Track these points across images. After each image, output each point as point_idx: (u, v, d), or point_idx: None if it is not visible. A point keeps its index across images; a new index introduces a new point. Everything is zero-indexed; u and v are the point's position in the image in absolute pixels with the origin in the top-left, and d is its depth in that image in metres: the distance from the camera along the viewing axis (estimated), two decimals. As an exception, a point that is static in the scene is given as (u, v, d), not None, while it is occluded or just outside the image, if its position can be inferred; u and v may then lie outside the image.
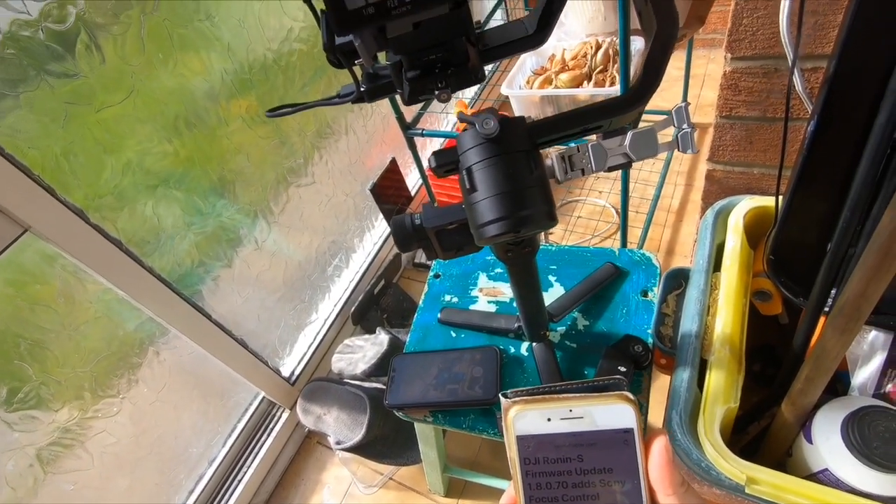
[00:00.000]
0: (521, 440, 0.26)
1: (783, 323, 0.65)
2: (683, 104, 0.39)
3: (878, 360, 0.53)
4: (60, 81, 0.70)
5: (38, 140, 0.69)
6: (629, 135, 0.38)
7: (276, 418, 1.20)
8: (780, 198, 0.54)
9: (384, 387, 1.09)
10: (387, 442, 1.05)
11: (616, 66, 1.04)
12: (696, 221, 1.25)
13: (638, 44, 1.01)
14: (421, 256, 1.55)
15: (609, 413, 0.25)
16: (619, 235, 1.29)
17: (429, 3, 0.27)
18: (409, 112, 1.13)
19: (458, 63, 0.32)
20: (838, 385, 0.57)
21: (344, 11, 0.27)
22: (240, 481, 1.11)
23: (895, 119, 0.41)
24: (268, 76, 1.02)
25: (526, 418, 0.26)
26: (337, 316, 1.33)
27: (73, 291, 0.79)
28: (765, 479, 0.44)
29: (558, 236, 1.44)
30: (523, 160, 0.35)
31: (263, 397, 1.19)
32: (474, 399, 0.62)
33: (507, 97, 1.16)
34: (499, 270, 0.78)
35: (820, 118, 0.46)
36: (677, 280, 0.67)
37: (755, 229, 0.64)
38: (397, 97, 0.36)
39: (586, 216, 1.49)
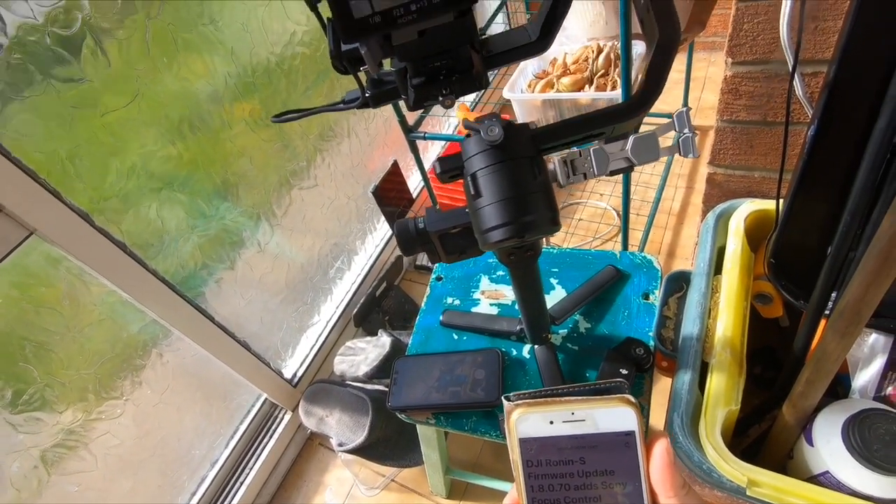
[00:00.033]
0: (524, 443, 0.26)
1: (784, 326, 0.65)
2: (685, 109, 0.39)
3: (878, 363, 0.53)
4: (66, 86, 0.70)
5: (44, 143, 0.70)
6: (631, 139, 0.38)
7: (278, 420, 1.20)
8: (781, 201, 0.54)
9: (386, 389, 1.09)
10: (389, 444, 1.06)
11: (617, 70, 1.05)
12: (696, 224, 1.26)
13: (639, 48, 1.01)
14: (422, 258, 1.55)
15: (611, 416, 0.26)
16: (620, 238, 1.30)
17: (434, 12, 0.27)
18: (412, 115, 1.13)
19: (463, 70, 0.32)
20: (839, 388, 0.57)
21: (351, 20, 0.27)
22: (242, 483, 1.12)
23: (895, 124, 0.41)
24: (271, 80, 1.02)
25: (528, 421, 0.26)
26: (339, 318, 1.34)
27: (78, 294, 0.79)
28: (766, 481, 0.44)
29: (559, 238, 1.44)
30: (527, 166, 0.35)
31: (266, 399, 1.19)
32: (476, 401, 0.63)
33: (508, 100, 1.16)
34: (501, 273, 0.79)
35: (820, 123, 0.46)
36: (678, 283, 0.68)
37: (756, 232, 0.65)
38: (401, 102, 0.37)
39: (587, 218, 1.49)
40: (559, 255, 0.77)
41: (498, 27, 1.49)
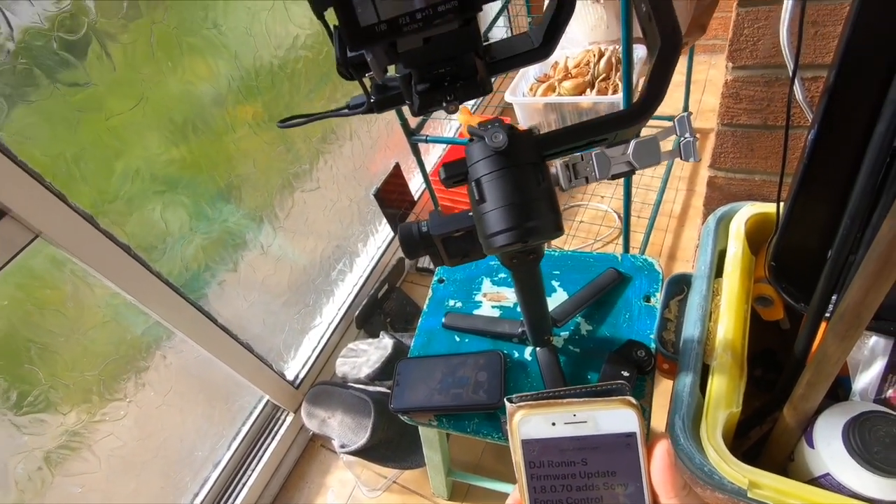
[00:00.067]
0: (527, 444, 0.26)
1: (784, 328, 0.66)
2: (686, 114, 0.39)
3: (878, 366, 0.53)
4: (72, 90, 0.71)
5: (49, 147, 0.70)
6: (632, 144, 0.39)
7: (280, 422, 1.21)
8: (782, 205, 0.55)
9: (388, 390, 1.09)
10: (391, 445, 1.06)
11: (619, 74, 1.05)
12: (697, 226, 1.26)
13: (640, 52, 1.02)
14: (424, 261, 1.56)
15: (612, 417, 0.26)
16: (621, 240, 1.30)
17: (439, 20, 0.28)
18: (414, 118, 1.14)
19: (467, 76, 0.32)
20: (839, 390, 0.57)
21: (357, 27, 0.28)
22: (244, 484, 1.12)
23: (894, 128, 0.41)
24: (274, 83, 1.03)
25: (531, 423, 0.27)
26: (341, 320, 1.34)
27: (82, 296, 0.80)
28: (767, 483, 0.45)
29: (560, 241, 1.45)
30: (531, 172, 0.35)
31: (268, 401, 1.20)
32: (478, 403, 0.63)
33: (509, 103, 1.17)
34: (502, 275, 0.79)
35: (820, 127, 0.46)
36: (679, 285, 0.68)
37: (756, 235, 0.65)
38: (404, 107, 0.37)
39: (588, 221, 1.49)
40: (561, 258, 0.78)
41: (499, 30, 1.50)
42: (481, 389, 0.64)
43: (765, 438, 0.58)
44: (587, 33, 1.10)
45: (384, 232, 1.50)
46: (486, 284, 0.78)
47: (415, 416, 0.67)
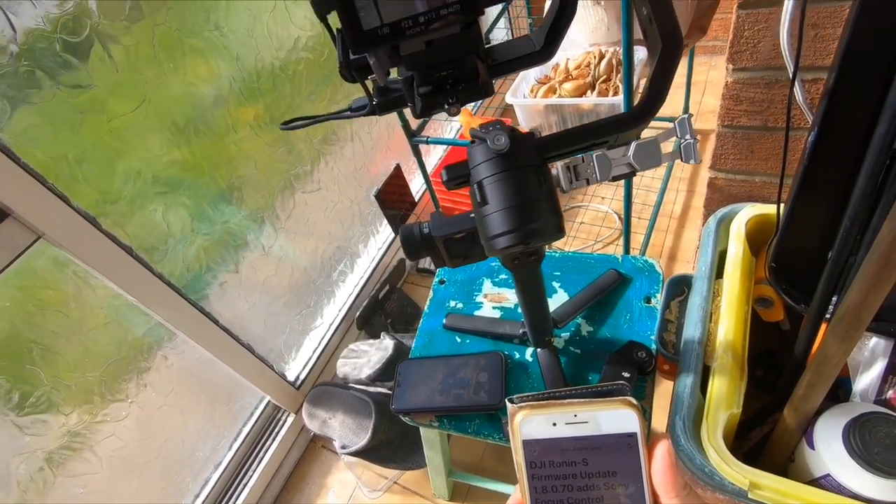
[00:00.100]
0: (528, 444, 0.27)
1: (785, 329, 0.66)
2: (686, 116, 0.40)
3: (879, 367, 0.53)
4: (75, 91, 0.71)
5: (52, 148, 0.71)
6: (633, 145, 0.39)
7: (281, 422, 1.21)
8: (782, 206, 0.55)
9: (389, 391, 1.09)
10: (391, 446, 1.06)
11: (619, 75, 1.06)
12: (698, 227, 1.26)
13: (640, 54, 1.02)
14: (425, 261, 1.56)
15: (613, 418, 0.26)
16: (621, 241, 1.30)
17: (441, 24, 0.28)
18: (414, 119, 1.14)
19: (469, 79, 0.33)
20: (840, 391, 0.57)
21: (360, 31, 0.28)
22: (245, 485, 1.12)
23: (894, 130, 0.42)
24: (275, 84, 1.03)
25: (532, 423, 0.27)
26: (342, 321, 1.34)
27: (84, 297, 0.80)
28: (767, 484, 0.45)
29: (561, 242, 1.45)
30: (533, 174, 0.36)
31: (269, 401, 1.20)
32: (480, 404, 0.63)
33: (510, 104, 1.17)
34: (503, 277, 0.79)
35: (820, 128, 0.46)
36: (680, 287, 0.68)
37: (757, 237, 0.65)
38: (406, 109, 0.38)
39: (589, 222, 1.50)
40: (561, 259, 0.78)
41: (500, 32, 1.50)
42: (482, 390, 0.64)
43: (765, 439, 0.58)
44: (588, 35, 1.10)
45: (385, 233, 1.50)
46: (487, 285, 0.79)
47: (416, 417, 0.67)
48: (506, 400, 0.28)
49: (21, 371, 0.74)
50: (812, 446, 0.50)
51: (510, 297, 0.76)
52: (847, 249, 0.47)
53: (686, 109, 1.56)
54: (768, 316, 0.63)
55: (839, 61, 0.43)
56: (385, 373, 1.11)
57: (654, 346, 0.64)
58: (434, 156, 1.67)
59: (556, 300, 0.72)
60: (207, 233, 0.96)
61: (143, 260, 0.83)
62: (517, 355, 0.69)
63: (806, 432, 0.52)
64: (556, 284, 0.75)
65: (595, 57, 1.10)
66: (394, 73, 0.37)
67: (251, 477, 1.13)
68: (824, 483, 0.48)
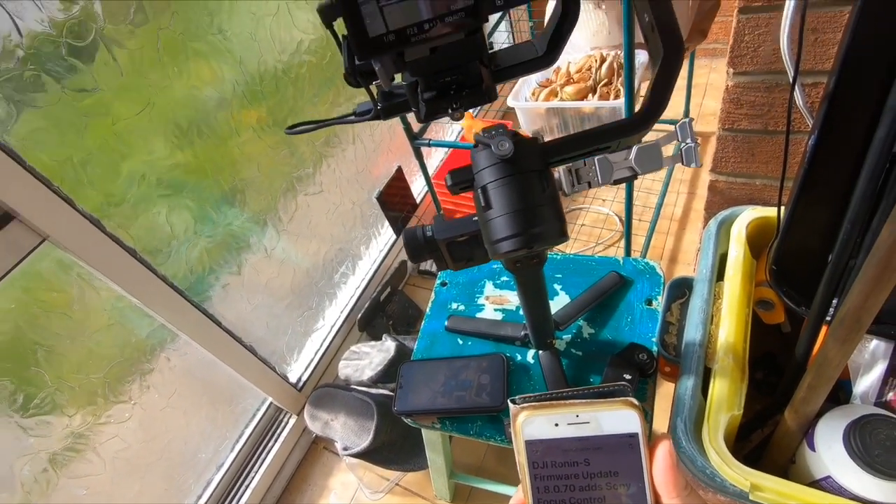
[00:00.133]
0: (530, 445, 0.27)
1: (785, 332, 0.66)
2: (687, 120, 0.40)
3: (879, 369, 0.54)
4: (80, 95, 0.72)
5: (57, 151, 0.71)
6: (634, 149, 0.39)
7: (283, 424, 1.21)
8: (782, 209, 0.55)
9: (391, 393, 1.10)
10: (393, 448, 1.06)
11: (620, 79, 1.06)
12: (698, 230, 1.26)
13: (642, 57, 1.03)
14: (426, 263, 1.56)
15: (614, 418, 0.26)
16: (622, 243, 1.31)
17: (446, 31, 0.28)
18: (416, 122, 1.15)
19: (473, 84, 0.33)
20: (840, 393, 0.58)
21: (366, 38, 0.28)
22: (247, 486, 1.12)
23: (894, 133, 0.42)
24: (278, 87, 1.04)
25: (534, 424, 0.27)
26: (343, 323, 1.35)
27: (88, 299, 0.80)
28: (768, 485, 0.45)
29: (562, 244, 1.45)
30: (536, 179, 0.36)
31: (271, 403, 1.20)
32: (481, 406, 0.63)
33: (512, 107, 1.17)
34: (505, 279, 0.80)
35: (820, 132, 0.47)
36: (681, 289, 0.68)
37: (757, 239, 0.66)
38: (409, 113, 0.38)
39: (590, 224, 1.50)
40: (563, 261, 0.78)
41: (500, 35, 1.50)
42: (484, 392, 0.64)
43: (766, 441, 0.58)
44: (589, 39, 1.11)
45: (386, 235, 1.50)
46: (489, 288, 0.79)
47: (418, 419, 0.67)
48: (508, 401, 0.28)
49: (25, 373, 0.75)
50: (813, 448, 0.50)
51: (512, 299, 0.77)
52: (847, 252, 0.48)
53: (687, 112, 1.57)
54: (769, 318, 0.64)
55: (839, 65, 0.43)
56: (387, 374, 1.12)
57: (655, 349, 0.64)
58: (435, 158, 1.68)
59: (558, 302, 0.73)
60: (210, 235, 0.96)
61: (146, 262, 0.84)
62: (519, 357, 0.69)
63: (807, 434, 0.52)
64: (557, 287, 0.75)
65: (596, 60, 1.10)
66: (398, 78, 0.37)
67: (253, 478, 1.13)
68: (825, 485, 0.48)
